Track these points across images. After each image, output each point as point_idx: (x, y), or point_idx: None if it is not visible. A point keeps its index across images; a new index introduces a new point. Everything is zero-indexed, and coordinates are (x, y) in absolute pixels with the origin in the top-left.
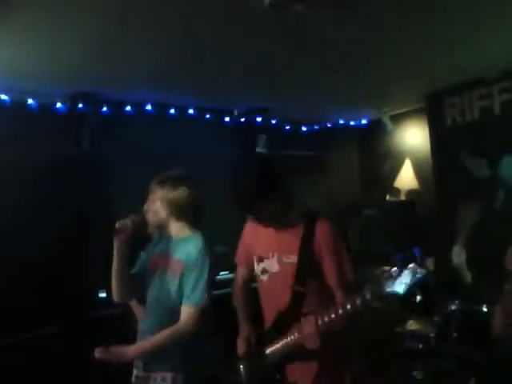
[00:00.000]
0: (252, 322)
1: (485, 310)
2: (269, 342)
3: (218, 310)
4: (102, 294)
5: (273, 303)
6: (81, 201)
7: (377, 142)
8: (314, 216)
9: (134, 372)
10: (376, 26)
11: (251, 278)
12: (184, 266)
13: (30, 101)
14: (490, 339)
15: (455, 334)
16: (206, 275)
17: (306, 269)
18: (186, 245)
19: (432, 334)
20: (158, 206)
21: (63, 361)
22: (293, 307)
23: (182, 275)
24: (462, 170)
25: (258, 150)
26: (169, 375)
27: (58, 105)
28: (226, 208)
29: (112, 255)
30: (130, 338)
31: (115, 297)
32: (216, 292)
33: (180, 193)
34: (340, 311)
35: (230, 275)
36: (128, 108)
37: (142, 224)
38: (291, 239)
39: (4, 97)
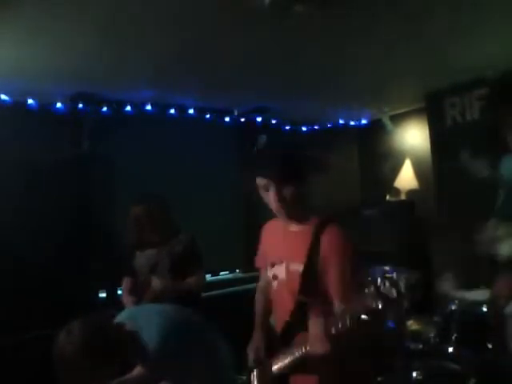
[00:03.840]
0: (265, 329)
1: (485, 309)
2: (278, 349)
3: (220, 310)
4: (102, 294)
5: (281, 311)
6: (81, 201)
7: (377, 142)
8: (324, 221)
9: None
10: (376, 26)
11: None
12: None
13: (30, 101)
14: (489, 339)
15: (455, 334)
16: None
17: (311, 278)
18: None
19: (432, 334)
20: None
21: None
22: (297, 317)
23: None
24: (461, 170)
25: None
26: None
27: (58, 105)
28: (227, 207)
29: (111, 256)
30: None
31: None
32: (216, 292)
33: None
34: (349, 313)
35: (230, 275)
36: (128, 108)
37: None
38: (299, 246)
39: (4, 97)
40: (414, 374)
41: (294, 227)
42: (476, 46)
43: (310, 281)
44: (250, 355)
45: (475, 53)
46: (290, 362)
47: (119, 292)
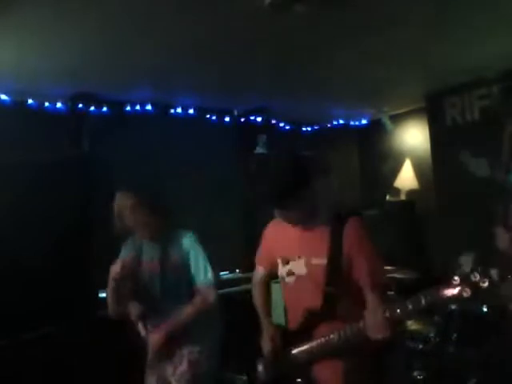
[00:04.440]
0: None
1: (485, 309)
2: (295, 342)
3: (219, 309)
4: (102, 294)
5: (300, 305)
6: (81, 201)
7: (377, 142)
8: (343, 215)
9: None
10: (376, 27)
11: (270, 277)
12: (185, 257)
13: (30, 101)
14: (489, 339)
15: (455, 334)
16: (206, 259)
17: (337, 270)
18: (178, 241)
19: (432, 334)
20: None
21: (63, 361)
22: (324, 309)
23: (185, 265)
24: (461, 170)
25: (258, 149)
26: (196, 349)
27: (58, 105)
28: (227, 207)
29: (111, 256)
30: (129, 338)
31: (112, 313)
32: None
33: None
34: (416, 304)
35: (230, 275)
36: (128, 108)
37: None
38: (319, 241)
39: (4, 97)
40: (414, 374)
41: (312, 224)
42: (476, 46)
43: (337, 272)
44: (265, 346)
45: (475, 53)
46: (323, 348)
47: None
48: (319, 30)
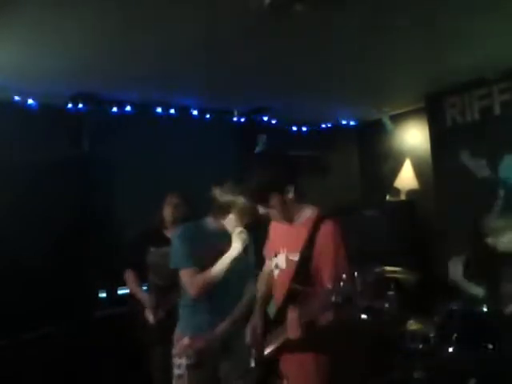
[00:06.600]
0: (262, 313)
1: (485, 309)
2: (272, 332)
3: None
4: (102, 294)
5: (278, 297)
6: (81, 200)
7: (377, 142)
8: (321, 217)
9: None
10: (376, 27)
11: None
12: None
13: (30, 101)
14: (489, 339)
15: (455, 334)
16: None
17: (305, 268)
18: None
19: (432, 334)
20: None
21: (63, 361)
22: (288, 303)
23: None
24: (461, 170)
25: (258, 150)
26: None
27: (58, 105)
28: None
29: (111, 256)
30: (129, 337)
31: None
32: None
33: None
34: (319, 300)
35: None
36: (128, 108)
37: None
38: (297, 238)
39: (4, 97)
40: (414, 374)
41: (296, 223)
42: (476, 46)
43: (304, 269)
44: (246, 334)
45: (475, 53)
46: (275, 347)
47: (119, 292)
48: (319, 30)
